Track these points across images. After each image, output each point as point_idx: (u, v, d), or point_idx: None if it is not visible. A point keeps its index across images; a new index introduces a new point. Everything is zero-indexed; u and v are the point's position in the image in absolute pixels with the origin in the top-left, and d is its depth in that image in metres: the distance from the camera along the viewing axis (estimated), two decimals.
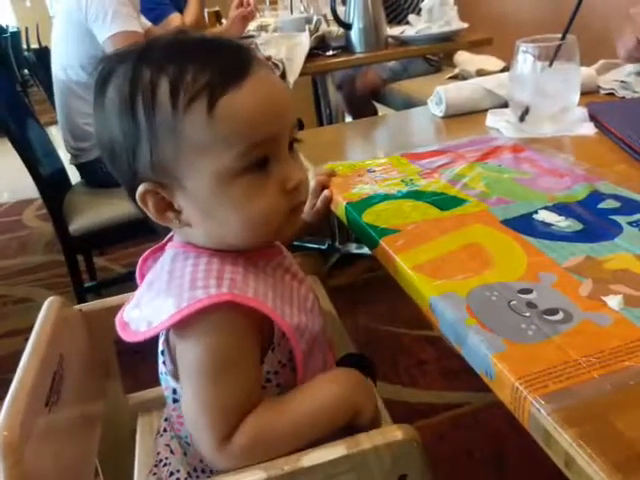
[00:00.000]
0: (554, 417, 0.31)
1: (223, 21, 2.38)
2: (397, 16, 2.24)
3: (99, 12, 1.45)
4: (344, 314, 0.80)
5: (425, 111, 0.98)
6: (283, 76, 1.49)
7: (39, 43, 5.52)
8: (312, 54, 1.60)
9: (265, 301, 0.48)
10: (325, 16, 1.81)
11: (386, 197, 0.63)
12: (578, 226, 0.51)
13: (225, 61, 0.47)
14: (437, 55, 2.26)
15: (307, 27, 1.67)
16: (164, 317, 0.46)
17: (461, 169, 0.68)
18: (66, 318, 0.63)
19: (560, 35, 0.76)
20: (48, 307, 0.62)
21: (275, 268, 0.54)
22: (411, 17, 1.76)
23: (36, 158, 1.46)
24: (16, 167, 1.43)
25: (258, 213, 0.48)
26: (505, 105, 0.87)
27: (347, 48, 1.65)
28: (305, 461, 0.45)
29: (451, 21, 1.67)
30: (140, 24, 1.55)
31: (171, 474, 0.55)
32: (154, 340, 0.50)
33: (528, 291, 0.42)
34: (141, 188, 0.47)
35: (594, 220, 0.52)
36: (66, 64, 1.55)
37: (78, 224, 1.43)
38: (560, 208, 0.55)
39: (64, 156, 1.70)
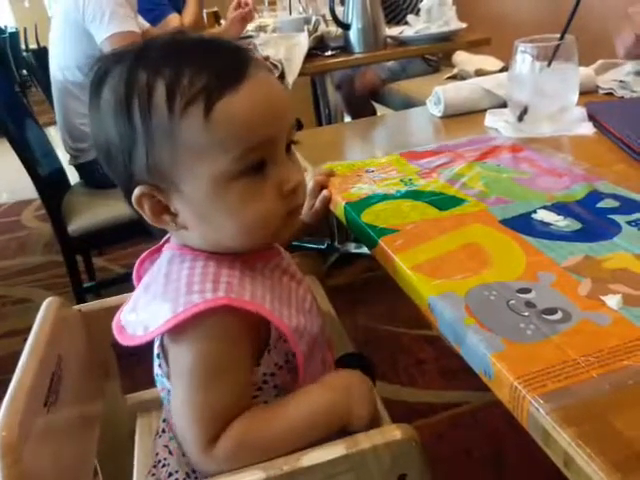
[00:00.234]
0: (553, 416, 0.31)
1: (222, 22, 2.38)
2: (396, 16, 2.24)
3: (96, 13, 1.45)
4: (343, 314, 0.80)
5: (424, 111, 0.98)
6: (282, 76, 1.49)
7: (38, 44, 5.51)
8: (311, 54, 1.61)
9: (263, 304, 0.48)
10: (324, 16, 1.81)
11: (385, 197, 0.63)
12: (577, 225, 0.51)
13: (222, 63, 0.46)
14: (436, 55, 2.26)
15: (306, 27, 1.67)
16: (160, 322, 0.46)
17: (460, 169, 0.68)
18: (65, 318, 0.63)
19: (558, 35, 0.76)
20: (47, 307, 0.62)
21: (273, 270, 0.54)
22: (410, 17, 1.76)
23: (35, 159, 1.45)
24: (15, 168, 1.43)
25: (255, 217, 0.47)
26: (504, 105, 0.87)
27: (346, 48, 1.65)
28: (304, 461, 0.45)
29: (450, 21, 1.67)
30: (138, 25, 1.55)
31: (170, 475, 0.55)
32: (151, 342, 0.50)
33: (527, 290, 0.42)
34: (137, 191, 0.47)
35: (593, 219, 0.52)
36: (63, 65, 1.55)
37: (77, 224, 1.43)
38: (559, 208, 0.55)
39: (63, 156, 1.70)
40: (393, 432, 0.46)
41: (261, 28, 2.08)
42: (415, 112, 1.06)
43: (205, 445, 0.47)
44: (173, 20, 2.03)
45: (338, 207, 0.65)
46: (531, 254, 0.47)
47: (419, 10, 1.74)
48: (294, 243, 0.62)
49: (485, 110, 0.89)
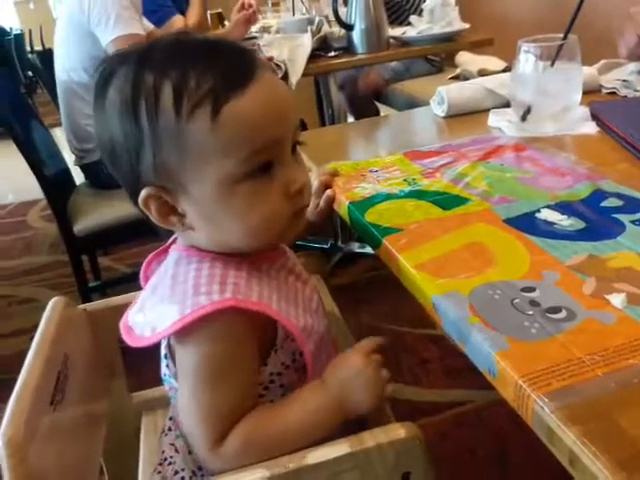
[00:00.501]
0: (558, 415, 0.31)
1: (226, 23, 2.39)
2: (399, 17, 2.24)
3: (102, 15, 1.45)
4: (346, 313, 0.80)
5: (427, 111, 0.98)
6: (285, 77, 1.49)
7: (43, 45, 5.54)
8: (314, 55, 1.61)
9: (270, 304, 0.48)
10: (327, 17, 1.81)
11: (389, 196, 0.63)
12: (581, 225, 0.51)
13: (228, 65, 0.46)
14: (439, 55, 2.26)
15: (309, 28, 1.68)
16: (168, 323, 0.46)
17: (463, 168, 0.68)
18: (70, 318, 0.63)
19: (562, 35, 0.76)
20: (53, 307, 0.62)
21: (279, 270, 0.54)
22: (413, 18, 1.76)
23: (40, 159, 1.46)
24: (21, 168, 1.44)
25: (261, 218, 0.47)
26: (507, 105, 0.87)
27: (349, 49, 1.65)
28: (309, 459, 0.45)
29: (452, 22, 1.67)
30: (142, 27, 1.56)
31: (176, 473, 0.56)
32: (157, 341, 0.51)
33: (531, 289, 0.42)
34: (144, 193, 0.47)
35: (597, 219, 0.52)
36: (68, 66, 1.56)
37: (82, 224, 1.44)
38: (562, 207, 0.55)
39: (68, 157, 1.70)
40: (397, 431, 0.46)
41: (265, 29, 2.09)
42: (418, 112, 1.06)
43: (212, 444, 0.47)
44: (177, 22, 2.04)
45: (342, 207, 0.65)
46: (535, 253, 0.47)
47: (422, 11, 1.74)
48: (298, 242, 0.62)
49: (488, 110, 0.89)
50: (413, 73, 2.28)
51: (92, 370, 0.66)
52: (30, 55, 5.58)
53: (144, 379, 0.71)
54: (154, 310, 0.49)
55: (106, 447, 0.66)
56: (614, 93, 0.90)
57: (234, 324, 0.47)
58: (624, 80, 0.90)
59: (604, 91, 0.92)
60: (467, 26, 1.67)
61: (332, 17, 1.69)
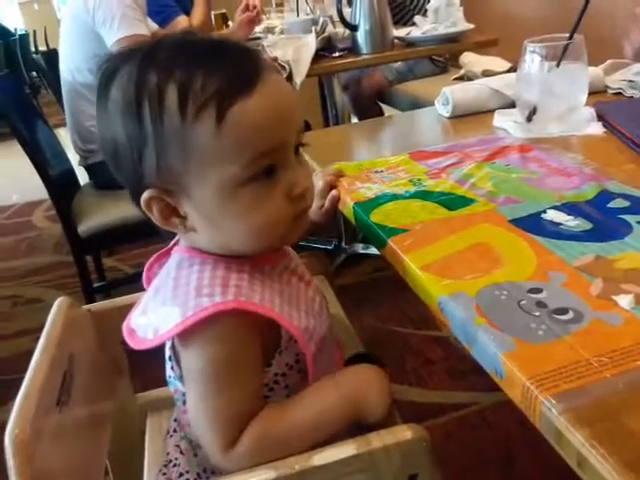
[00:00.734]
0: (566, 417, 0.31)
1: (230, 23, 2.39)
2: (403, 17, 2.24)
3: (106, 16, 1.46)
4: (350, 314, 0.80)
5: (432, 112, 0.98)
6: (290, 77, 1.50)
7: (47, 46, 5.55)
8: (318, 55, 1.61)
9: (272, 306, 0.48)
10: (331, 17, 1.81)
11: (394, 197, 0.63)
12: (587, 225, 0.51)
13: (233, 67, 0.45)
14: (443, 56, 2.25)
15: (313, 29, 1.68)
16: (170, 326, 0.46)
17: (469, 169, 0.68)
18: (75, 318, 0.63)
19: (567, 35, 0.75)
20: (58, 307, 0.62)
21: (281, 271, 0.54)
22: (417, 18, 1.76)
23: (45, 160, 1.47)
24: (25, 169, 1.44)
25: (264, 221, 0.47)
26: (512, 105, 0.86)
27: (353, 49, 1.65)
28: (316, 460, 0.45)
29: (457, 22, 1.67)
30: (147, 27, 1.56)
31: (180, 475, 0.56)
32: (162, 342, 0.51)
33: (538, 290, 0.42)
34: (146, 194, 0.47)
35: (603, 219, 0.52)
36: (73, 66, 1.57)
37: (87, 225, 1.44)
38: (569, 207, 0.55)
39: (73, 158, 1.71)
40: (404, 432, 0.46)
41: (269, 29, 2.09)
42: (423, 112, 1.06)
43: (224, 447, 0.47)
44: (181, 22, 2.04)
45: (347, 207, 0.65)
46: (541, 254, 0.47)
47: (426, 11, 1.74)
48: (301, 243, 0.62)
49: (493, 110, 0.89)
50: (417, 74, 2.28)
51: (97, 371, 0.66)
52: (35, 55, 5.61)
53: (149, 380, 0.71)
54: (156, 312, 0.49)
55: (111, 448, 0.66)
56: (620, 93, 0.90)
57: (237, 326, 0.47)
58: (630, 80, 0.90)
59: (610, 91, 0.92)
60: (472, 26, 1.67)
61: (336, 17, 1.70)
